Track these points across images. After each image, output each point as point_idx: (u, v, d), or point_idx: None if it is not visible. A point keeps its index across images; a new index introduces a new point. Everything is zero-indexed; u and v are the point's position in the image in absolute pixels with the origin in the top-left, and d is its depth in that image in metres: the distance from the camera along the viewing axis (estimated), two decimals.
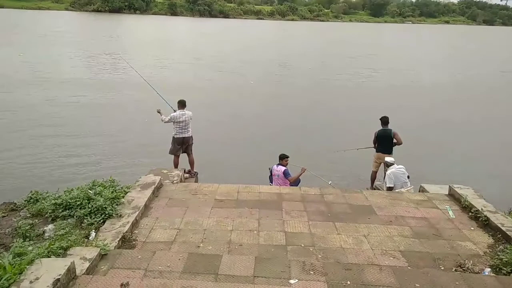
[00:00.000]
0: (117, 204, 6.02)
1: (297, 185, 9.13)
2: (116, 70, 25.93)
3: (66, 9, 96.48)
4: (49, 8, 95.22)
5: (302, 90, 22.36)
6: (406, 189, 8.63)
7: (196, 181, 9.90)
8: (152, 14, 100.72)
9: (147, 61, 28.71)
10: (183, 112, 9.33)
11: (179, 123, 9.29)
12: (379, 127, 9.90)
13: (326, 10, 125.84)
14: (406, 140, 9.63)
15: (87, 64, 28.22)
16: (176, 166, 9.70)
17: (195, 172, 9.89)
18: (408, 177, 9.09)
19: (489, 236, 5.79)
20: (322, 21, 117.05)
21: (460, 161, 13.11)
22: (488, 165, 12.89)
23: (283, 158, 9.06)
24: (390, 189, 8.94)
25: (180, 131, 9.37)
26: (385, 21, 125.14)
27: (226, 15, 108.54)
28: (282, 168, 8.85)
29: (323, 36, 44.58)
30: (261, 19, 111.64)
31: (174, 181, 7.48)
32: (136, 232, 5.58)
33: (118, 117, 16.23)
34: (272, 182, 9.18)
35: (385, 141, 9.87)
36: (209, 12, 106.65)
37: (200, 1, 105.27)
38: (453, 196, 7.16)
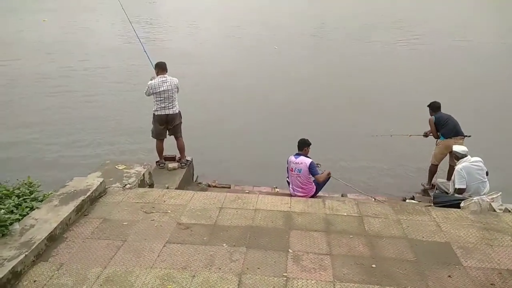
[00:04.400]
0: None
1: (319, 190, 6.44)
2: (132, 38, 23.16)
3: None
4: None
5: (331, 60, 18.63)
6: (489, 197, 5.69)
7: (191, 172, 7.42)
8: None
9: (180, 29, 25.25)
10: (164, 79, 6.57)
11: (159, 94, 6.56)
12: (424, 114, 7.39)
13: None
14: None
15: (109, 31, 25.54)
16: (160, 153, 7.12)
17: (187, 160, 7.26)
18: (487, 173, 6.24)
19: None
20: None
21: None
22: None
23: (306, 145, 6.32)
24: (460, 191, 6.27)
25: (162, 105, 6.64)
26: None
27: None
28: (307, 160, 6.17)
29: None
30: None
31: (127, 186, 4.81)
32: None
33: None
34: (289, 182, 6.52)
35: (451, 122, 7.08)
36: None
37: None
38: None
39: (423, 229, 3.98)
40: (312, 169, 6.13)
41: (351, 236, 3.83)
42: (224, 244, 3.66)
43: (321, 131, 9.96)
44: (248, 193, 6.69)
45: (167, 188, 5.77)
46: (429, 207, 4.54)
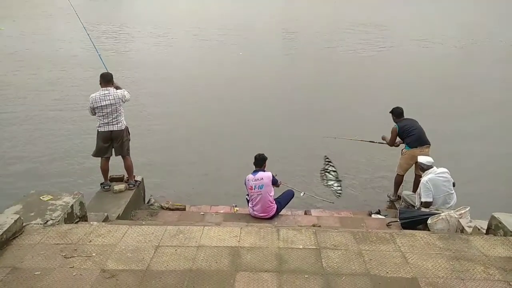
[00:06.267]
0: None
1: (281, 209, 6.05)
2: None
3: None
4: None
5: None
6: (457, 213, 5.35)
7: (142, 194, 6.81)
8: None
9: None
10: (107, 92, 5.88)
11: (100, 109, 5.88)
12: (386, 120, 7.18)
13: None
14: None
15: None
16: (105, 173, 6.43)
17: (136, 180, 6.60)
18: (454, 184, 5.94)
19: None
20: None
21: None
22: None
23: (263, 161, 5.95)
24: (427, 205, 6.00)
25: (105, 121, 5.97)
26: None
27: None
28: (267, 174, 5.82)
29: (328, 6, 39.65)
30: None
31: (49, 222, 4.10)
32: None
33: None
34: (249, 200, 6.08)
35: (417, 131, 6.73)
36: None
37: None
38: None
39: (387, 262, 3.50)
40: (274, 181, 5.90)
41: (306, 276, 3.30)
42: None
43: (283, 141, 9.54)
44: (203, 214, 6.17)
45: (106, 216, 5.11)
46: (394, 233, 4.08)
